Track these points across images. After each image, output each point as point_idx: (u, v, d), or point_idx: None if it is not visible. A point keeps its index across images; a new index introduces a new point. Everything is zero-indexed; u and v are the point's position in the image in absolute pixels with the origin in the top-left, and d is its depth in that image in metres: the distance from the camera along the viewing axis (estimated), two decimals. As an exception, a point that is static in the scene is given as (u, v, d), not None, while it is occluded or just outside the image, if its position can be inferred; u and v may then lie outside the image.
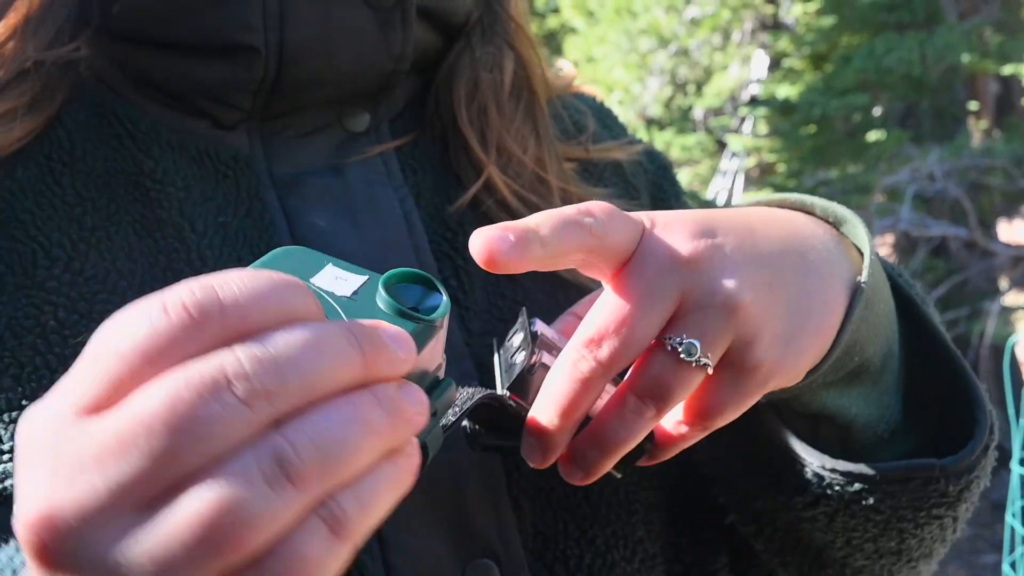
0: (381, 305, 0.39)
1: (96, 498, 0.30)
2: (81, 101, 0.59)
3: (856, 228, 0.56)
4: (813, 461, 0.57)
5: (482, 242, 0.43)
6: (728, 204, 7.81)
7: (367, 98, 0.64)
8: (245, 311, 0.33)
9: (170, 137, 0.59)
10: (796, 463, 0.57)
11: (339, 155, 0.63)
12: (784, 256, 0.49)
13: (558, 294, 0.64)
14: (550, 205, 0.65)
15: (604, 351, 0.45)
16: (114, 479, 0.30)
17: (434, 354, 0.41)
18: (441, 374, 0.43)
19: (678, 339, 0.45)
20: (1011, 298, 6.53)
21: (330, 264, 0.42)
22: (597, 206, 0.47)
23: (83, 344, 0.44)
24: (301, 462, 0.31)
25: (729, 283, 0.46)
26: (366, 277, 0.41)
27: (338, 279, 0.41)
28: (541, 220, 0.45)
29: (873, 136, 5.94)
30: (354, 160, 0.63)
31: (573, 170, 0.70)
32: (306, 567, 0.31)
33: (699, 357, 0.45)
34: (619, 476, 0.51)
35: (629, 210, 0.68)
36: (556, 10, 8.76)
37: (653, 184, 0.76)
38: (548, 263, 0.45)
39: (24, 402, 0.50)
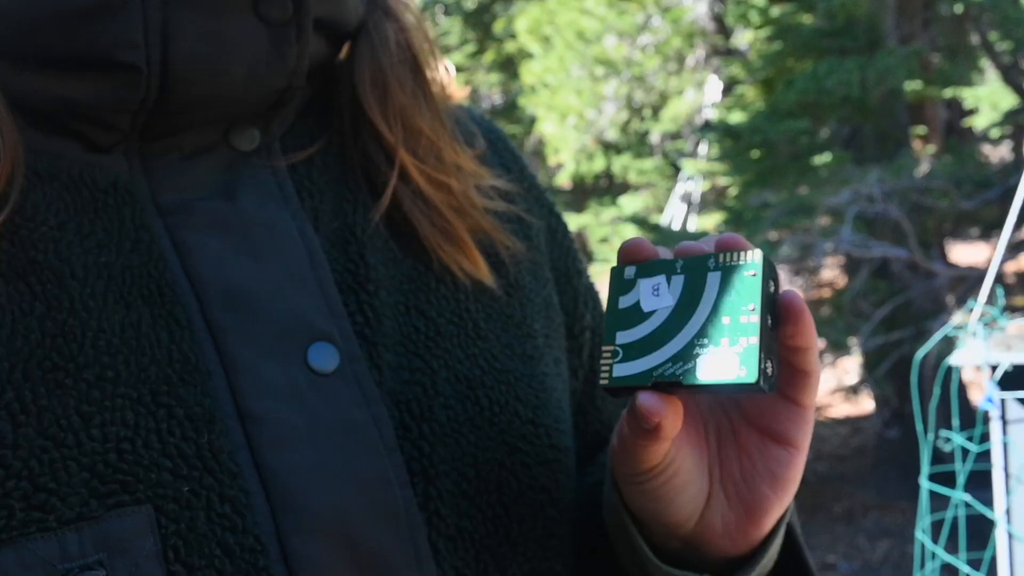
0: None
1: None
2: None
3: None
4: None
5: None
6: (684, 227, 7.90)
7: (257, 115, 0.59)
8: None
9: (37, 164, 0.53)
10: None
11: (228, 178, 0.58)
12: None
13: (467, 325, 0.63)
14: (454, 182, 0.64)
15: None
16: None
17: None
18: None
19: None
20: (957, 319, 6.61)
21: None
22: None
23: None
24: None
25: None
26: None
27: None
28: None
29: (819, 159, 6.03)
30: (245, 183, 0.58)
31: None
32: None
33: None
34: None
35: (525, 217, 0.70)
36: (513, 36, 8.85)
37: (541, 204, 0.75)
38: None
39: None
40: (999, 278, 8.50)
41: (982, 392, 2.59)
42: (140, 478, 0.49)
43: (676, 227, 7.38)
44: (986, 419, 2.67)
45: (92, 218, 0.54)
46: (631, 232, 6.79)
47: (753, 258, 0.51)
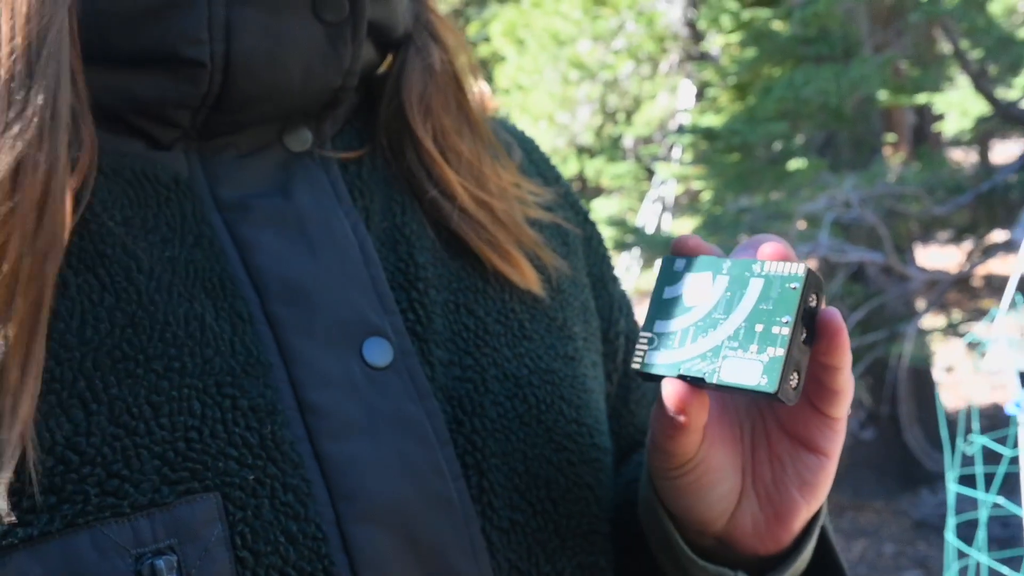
0: None
1: None
2: None
3: None
4: None
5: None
6: (658, 232, 7.96)
7: (310, 115, 0.61)
8: None
9: (101, 161, 0.54)
10: None
11: (284, 176, 0.60)
12: None
13: (513, 325, 0.65)
14: (496, 200, 0.66)
15: None
16: None
17: None
18: None
19: None
20: (927, 321, 6.72)
21: None
22: None
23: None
24: None
25: None
26: None
27: None
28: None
29: (794, 164, 6.10)
30: (300, 181, 0.60)
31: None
32: None
33: None
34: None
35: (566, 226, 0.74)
36: (487, 39, 8.85)
37: (576, 212, 0.78)
38: None
39: None
40: (965, 280, 8.65)
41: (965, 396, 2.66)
42: (208, 466, 0.51)
43: (650, 231, 7.42)
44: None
45: (156, 213, 0.56)
46: (609, 234, 6.81)
47: (797, 271, 0.52)
